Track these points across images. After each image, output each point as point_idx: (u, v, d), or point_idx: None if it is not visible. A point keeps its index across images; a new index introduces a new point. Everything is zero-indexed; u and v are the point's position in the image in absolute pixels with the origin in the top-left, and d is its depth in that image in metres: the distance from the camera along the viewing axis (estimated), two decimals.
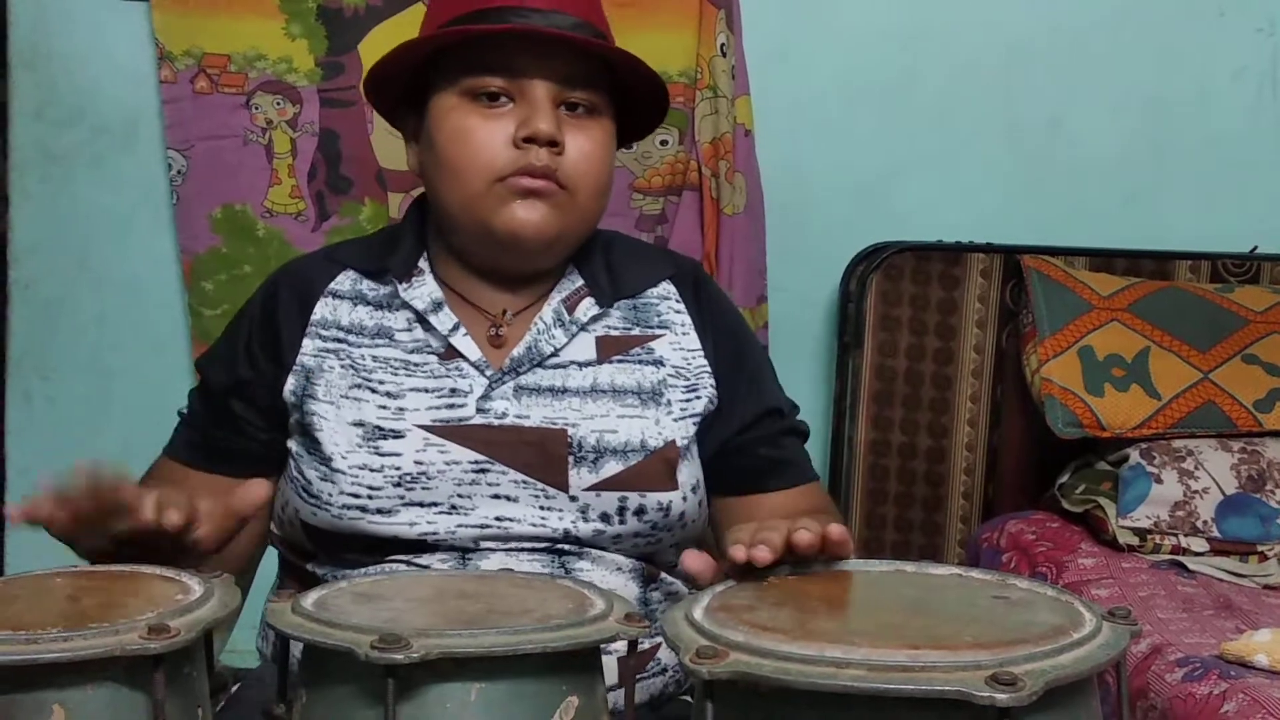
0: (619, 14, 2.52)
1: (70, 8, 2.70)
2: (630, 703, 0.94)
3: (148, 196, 2.73)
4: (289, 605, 0.93)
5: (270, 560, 1.49)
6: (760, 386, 1.44)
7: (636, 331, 1.40)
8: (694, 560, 1.06)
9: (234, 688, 1.35)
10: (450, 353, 1.35)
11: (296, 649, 0.92)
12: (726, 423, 1.40)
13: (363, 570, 1.30)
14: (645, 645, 1.32)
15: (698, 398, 1.38)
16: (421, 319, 1.36)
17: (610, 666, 0.95)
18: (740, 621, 0.86)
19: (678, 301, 1.43)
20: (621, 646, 0.95)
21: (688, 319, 1.42)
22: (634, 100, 1.41)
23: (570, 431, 1.31)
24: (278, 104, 2.68)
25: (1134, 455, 2.42)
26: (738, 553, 1.00)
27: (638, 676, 1.30)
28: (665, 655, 1.33)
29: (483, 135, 1.31)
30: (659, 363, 1.38)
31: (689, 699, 1.35)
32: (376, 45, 2.61)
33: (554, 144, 1.30)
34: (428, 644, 0.83)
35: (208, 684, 0.94)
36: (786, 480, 1.42)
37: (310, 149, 2.69)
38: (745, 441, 1.41)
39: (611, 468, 1.31)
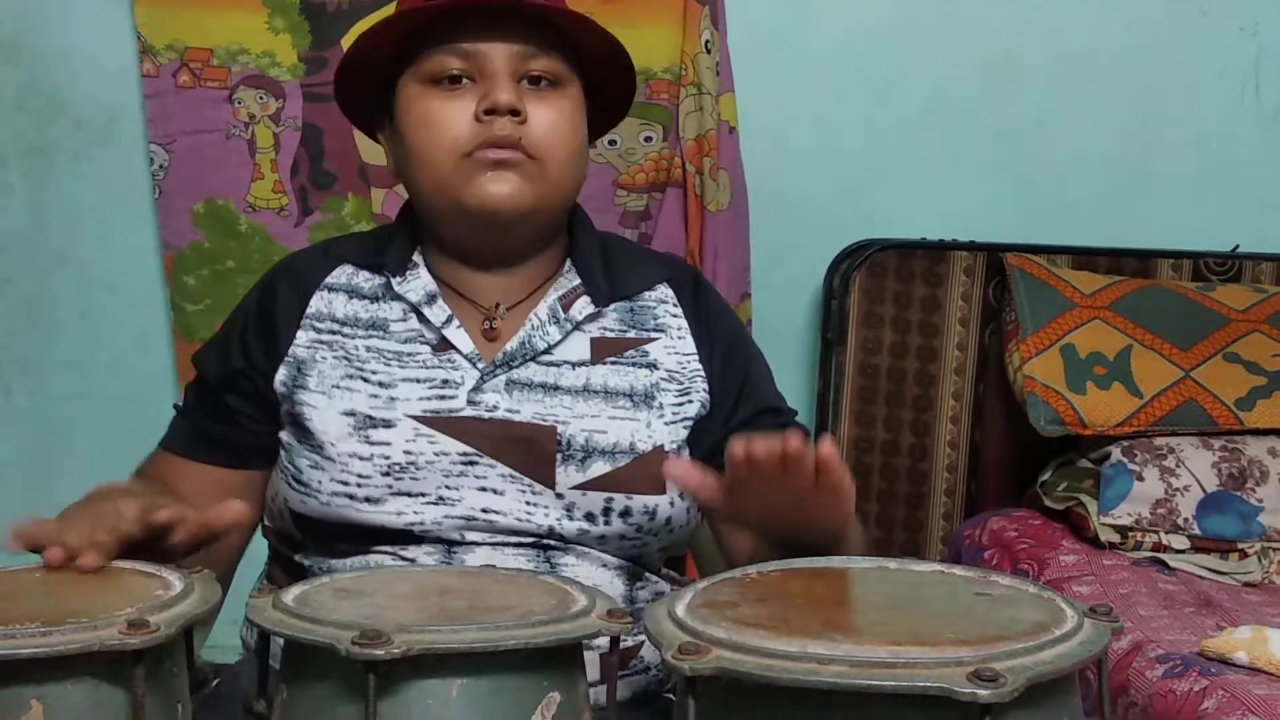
0: (603, 10, 2.51)
1: (52, 1, 2.69)
2: (613, 699, 0.94)
3: (129, 191, 2.73)
4: (270, 600, 0.93)
5: (257, 553, 1.49)
6: (757, 388, 1.43)
7: (632, 334, 1.39)
8: (676, 468, 1.15)
9: (214, 683, 1.35)
10: (443, 344, 1.35)
11: (278, 644, 0.92)
12: (722, 424, 1.39)
13: (348, 562, 1.30)
14: (628, 643, 1.32)
15: (690, 402, 1.38)
16: (416, 311, 1.36)
17: (592, 663, 0.95)
18: (723, 618, 0.86)
19: (675, 305, 1.43)
20: (604, 643, 0.95)
21: (684, 323, 1.42)
22: (603, 80, 1.40)
23: (560, 429, 1.31)
24: (260, 98, 2.67)
25: (1115, 453, 2.43)
26: (736, 447, 1.08)
27: (620, 674, 1.30)
28: (648, 653, 1.33)
29: (445, 115, 1.32)
30: (653, 366, 1.37)
31: (672, 696, 1.35)
32: None
33: (515, 113, 1.30)
34: (409, 640, 0.83)
35: (188, 680, 0.93)
36: None
37: (293, 144, 2.69)
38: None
39: (599, 468, 1.30)
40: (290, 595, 0.95)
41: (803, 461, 1.06)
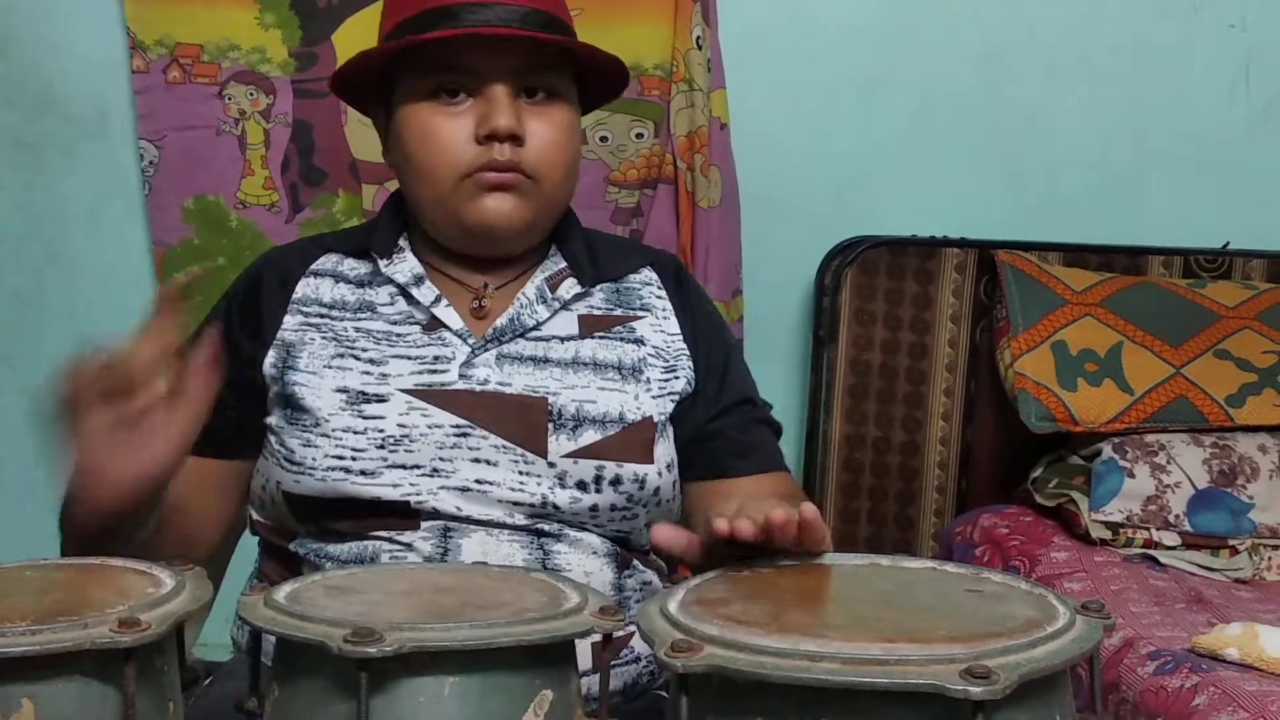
0: (595, 6, 2.53)
1: None
2: (605, 691, 0.94)
3: (119, 187, 2.72)
4: (261, 598, 0.93)
5: (248, 550, 1.48)
6: (734, 377, 1.47)
7: (619, 312, 1.43)
8: (663, 533, 1.10)
9: (206, 681, 1.35)
10: (434, 324, 1.38)
11: (269, 642, 0.91)
12: (700, 408, 1.42)
13: (344, 548, 1.31)
14: (619, 633, 1.33)
15: (676, 377, 1.41)
16: (404, 293, 1.39)
17: (583, 651, 0.95)
18: (715, 615, 0.86)
19: (659, 288, 1.47)
20: (596, 634, 0.95)
21: (669, 304, 1.46)
22: (597, 73, 1.43)
23: (551, 399, 1.34)
24: (251, 94, 2.67)
25: (1106, 450, 2.43)
26: (720, 525, 1.02)
27: (611, 664, 1.31)
28: (638, 644, 1.34)
29: (446, 134, 1.35)
30: (640, 342, 1.41)
31: (663, 693, 1.35)
32: (350, 36, 2.60)
33: (515, 137, 1.33)
34: (401, 637, 0.83)
35: (179, 677, 0.93)
36: (754, 465, 1.43)
37: (283, 140, 2.68)
38: (716, 428, 1.43)
39: (590, 436, 1.33)
40: (282, 593, 0.95)
41: (787, 529, 1.02)
